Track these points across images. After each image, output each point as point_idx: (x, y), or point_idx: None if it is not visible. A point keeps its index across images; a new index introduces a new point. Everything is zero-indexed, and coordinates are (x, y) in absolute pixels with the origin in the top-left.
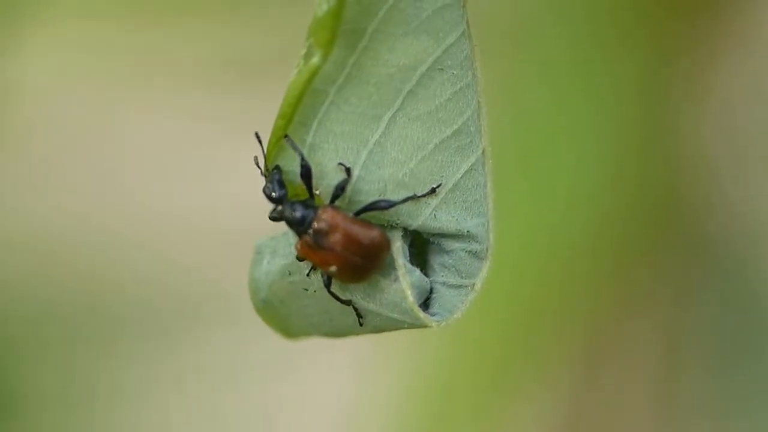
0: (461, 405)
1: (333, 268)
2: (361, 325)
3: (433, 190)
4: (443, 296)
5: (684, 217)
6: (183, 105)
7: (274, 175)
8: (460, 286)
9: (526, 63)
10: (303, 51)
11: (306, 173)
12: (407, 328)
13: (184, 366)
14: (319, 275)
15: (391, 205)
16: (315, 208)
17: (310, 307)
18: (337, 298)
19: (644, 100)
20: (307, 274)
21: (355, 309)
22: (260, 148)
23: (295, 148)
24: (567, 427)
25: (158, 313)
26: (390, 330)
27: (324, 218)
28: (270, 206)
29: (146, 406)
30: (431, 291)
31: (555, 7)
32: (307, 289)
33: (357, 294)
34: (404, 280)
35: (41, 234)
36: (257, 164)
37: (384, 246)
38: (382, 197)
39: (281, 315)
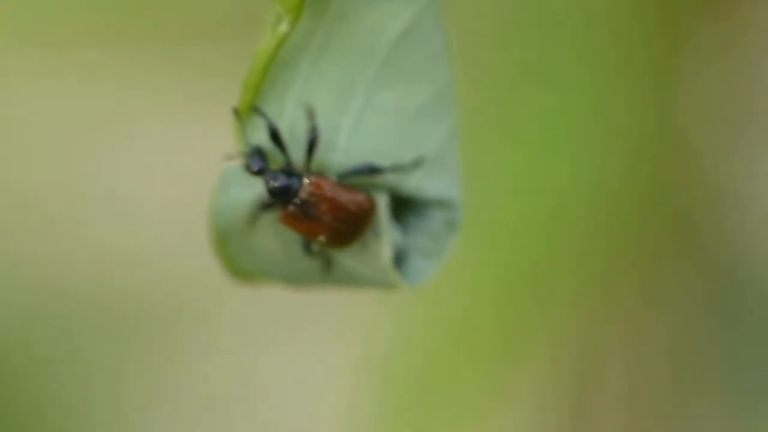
0: (441, 393)
1: (321, 238)
2: (326, 271)
3: (416, 161)
4: (414, 261)
5: (679, 218)
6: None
7: (254, 148)
8: (432, 254)
9: (530, 56)
10: (271, 19)
11: (275, 135)
12: (371, 286)
13: (167, 341)
14: None
15: (378, 169)
16: (299, 177)
17: (270, 245)
18: (313, 255)
19: (651, 99)
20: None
21: (327, 255)
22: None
23: (263, 115)
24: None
25: (139, 297)
26: (353, 286)
27: (310, 187)
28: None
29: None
30: (403, 254)
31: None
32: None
33: None
34: (386, 236)
35: None
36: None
37: (371, 210)
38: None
39: (237, 249)
